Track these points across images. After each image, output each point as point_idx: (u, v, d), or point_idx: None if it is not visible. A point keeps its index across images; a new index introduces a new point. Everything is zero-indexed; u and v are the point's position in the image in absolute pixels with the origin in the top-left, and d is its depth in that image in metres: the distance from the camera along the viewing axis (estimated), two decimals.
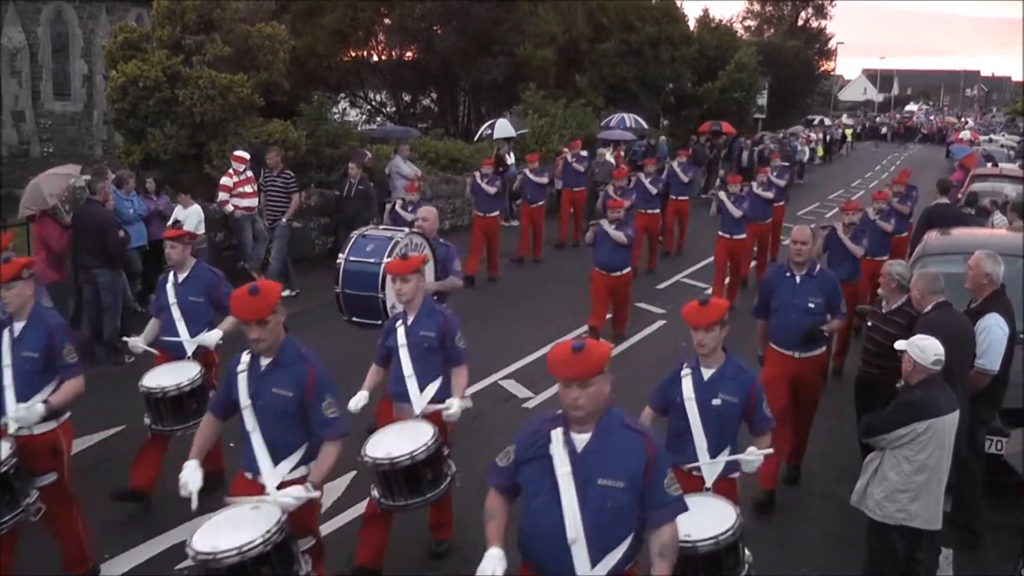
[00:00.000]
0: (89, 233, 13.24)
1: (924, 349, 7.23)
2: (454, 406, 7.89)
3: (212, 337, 9.33)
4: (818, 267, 9.99)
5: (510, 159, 25.49)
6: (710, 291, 18.42)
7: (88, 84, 33.77)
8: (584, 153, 25.69)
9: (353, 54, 37.94)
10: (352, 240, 11.59)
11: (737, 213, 17.95)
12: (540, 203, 22.01)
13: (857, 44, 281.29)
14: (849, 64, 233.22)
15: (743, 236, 18.37)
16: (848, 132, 65.73)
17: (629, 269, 15.19)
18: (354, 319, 11.32)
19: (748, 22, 79.74)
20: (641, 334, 16.30)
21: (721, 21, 43.78)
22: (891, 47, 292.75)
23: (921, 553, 7.49)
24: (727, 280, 18.50)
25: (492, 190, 19.67)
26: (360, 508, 9.30)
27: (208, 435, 6.76)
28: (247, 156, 18.09)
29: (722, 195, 18.32)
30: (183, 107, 20.59)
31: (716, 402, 6.80)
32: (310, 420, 6.37)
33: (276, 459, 6.41)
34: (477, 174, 20.29)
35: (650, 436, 5.18)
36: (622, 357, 14.49)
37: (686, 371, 6.95)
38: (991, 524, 9.25)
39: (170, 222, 15.54)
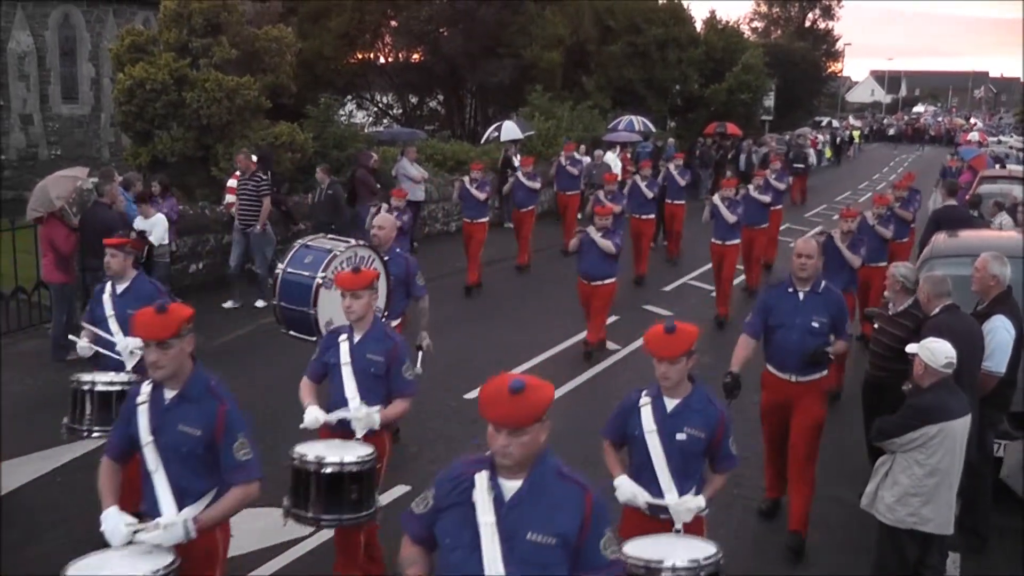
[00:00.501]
0: (96, 235, 13.21)
1: (935, 352, 7.20)
2: (362, 411, 7.20)
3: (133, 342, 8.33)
4: (823, 283, 8.88)
5: (517, 160, 25.41)
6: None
7: (96, 87, 33.80)
8: (579, 156, 25.74)
9: (360, 56, 37.98)
10: (294, 250, 10.53)
11: (731, 219, 17.30)
12: (530, 208, 21.52)
13: (865, 45, 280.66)
14: (857, 65, 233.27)
15: (736, 242, 17.71)
16: (856, 134, 65.63)
17: (613, 280, 14.59)
18: (291, 332, 10.45)
19: (755, 24, 79.60)
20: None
21: (728, 23, 43.83)
22: (899, 48, 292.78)
23: (931, 558, 7.47)
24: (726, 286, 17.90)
25: (482, 196, 19.09)
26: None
27: (112, 480, 5.80)
28: (253, 158, 18.14)
29: (716, 199, 17.65)
30: (190, 110, 20.61)
31: (681, 436, 6.07)
32: (220, 462, 5.65)
33: (181, 504, 5.60)
34: (466, 179, 19.74)
35: (589, 489, 4.46)
36: (625, 362, 14.57)
37: (645, 400, 6.21)
38: (996, 528, 9.20)
39: (133, 233, 15.43)
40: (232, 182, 18.12)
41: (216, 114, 20.61)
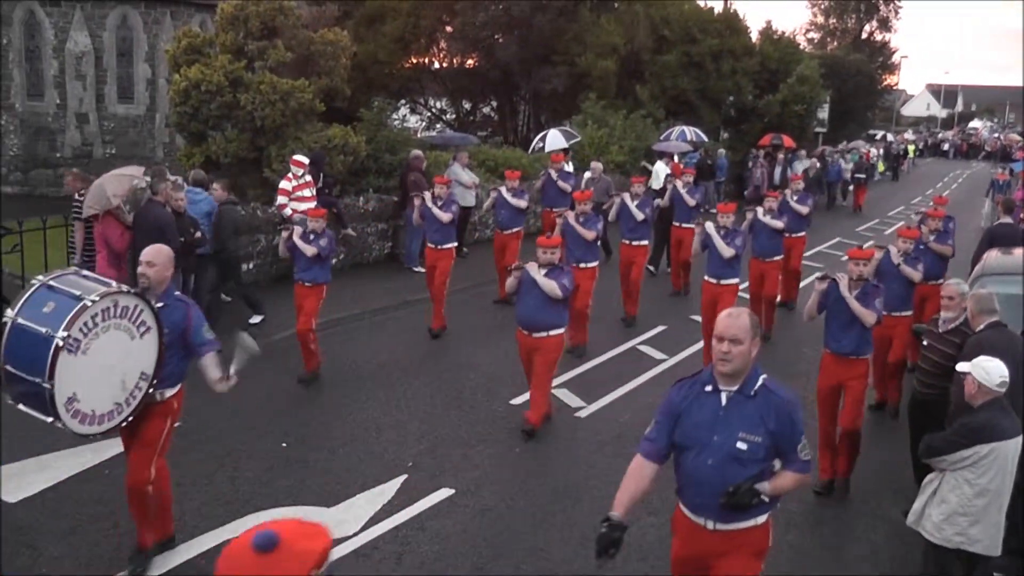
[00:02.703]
0: (149, 233, 13.37)
1: (989, 371, 7.12)
2: None
3: None
4: (761, 380, 5.79)
5: (569, 167, 25.18)
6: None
7: (151, 88, 34.09)
8: (570, 169, 22.96)
9: (414, 61, 38.08)
10: (32, 290, 7.35)
11: (727, 252, 14.32)
12: (515, 230, 18.14)
13: (921, 57, 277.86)
14: (913, 78, 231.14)
15: (733, 281, 14.59)
16: (910, 148, 65.07)
17: (560, 331, 11.70)
18: (21, 407, 7.37)
19: (811, 35, 79.19)
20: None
21: (784, 33, 43.43)
22: (956, 61, 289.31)
23: None
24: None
25: (446, 217, 16.04)
26: (410, 512, 9.35)
27: None
28: (306, 161, 18.28)
29: (710, 228, 14.61)
30: (244, 111, 20.72)
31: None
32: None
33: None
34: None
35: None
36: (673, 372, 14.39)
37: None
38: None
39: (198, 232, 15.42)
40: (284, 183, 18.23)
41: (270, 116, 20.71)
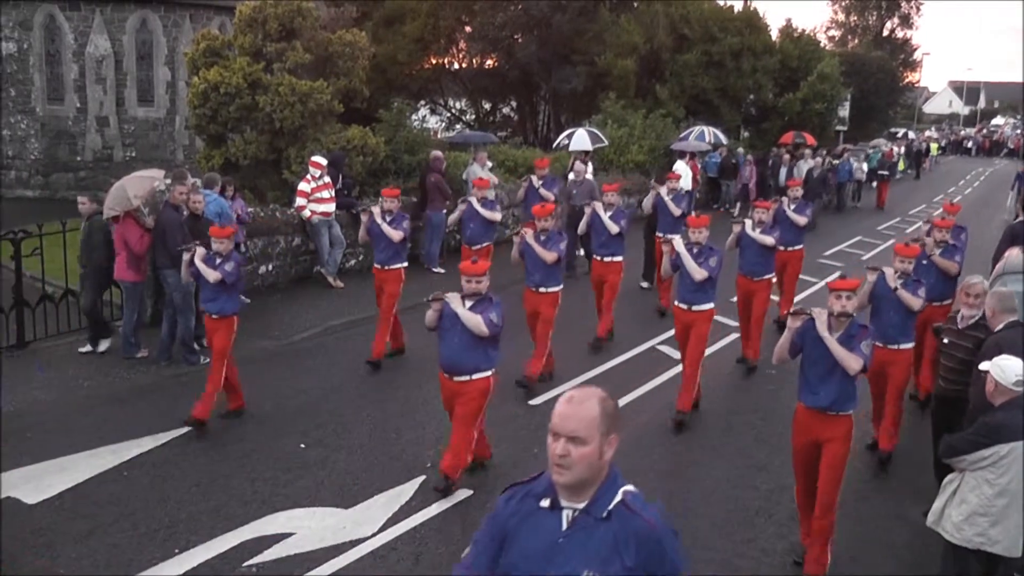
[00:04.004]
0: (164, 236, 13.42)
1: (1006, 370, 7.06)
2: None
3: None
4: (619, 495, 4.03)
5: (588, 169, 25.07)
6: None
7: (171, 91, 34.22)
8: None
9: (434, 61, 38.20)
10: None
11: (699, 274, 11.95)
12: (485, 244, 16.22)
13: (943, 54, 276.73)
14: (935, 75, 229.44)
15: (706, 308, 12.21)
16: (933, 146, 64.77)
17: (487, 374, 9.83)
18: None
19: (832, 32, 79.12)
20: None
21: (804, 31, 43.30)
22: (978, 58, 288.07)
23: None
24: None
25: (397, 235, 13.79)
26: (427, 513, 9.33)
27: None
28: (324, 162, 18.30)
29: (678, 243, 12.39)
30: (263, 113, 20.77)
31: None
32: None
33: None
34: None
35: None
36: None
37: None
38: None
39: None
40: (303, 185, 18.26)
41: (288, 118, 20.75)
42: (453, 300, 9.49)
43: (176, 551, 8.44)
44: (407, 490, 9.81)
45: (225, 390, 11.68)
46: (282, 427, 11.51)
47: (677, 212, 17.13)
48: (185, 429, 11.12)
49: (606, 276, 15.13)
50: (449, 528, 9.11)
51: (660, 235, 17.14)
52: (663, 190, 17.59)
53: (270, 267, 18.53)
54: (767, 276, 14.64)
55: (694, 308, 12.10)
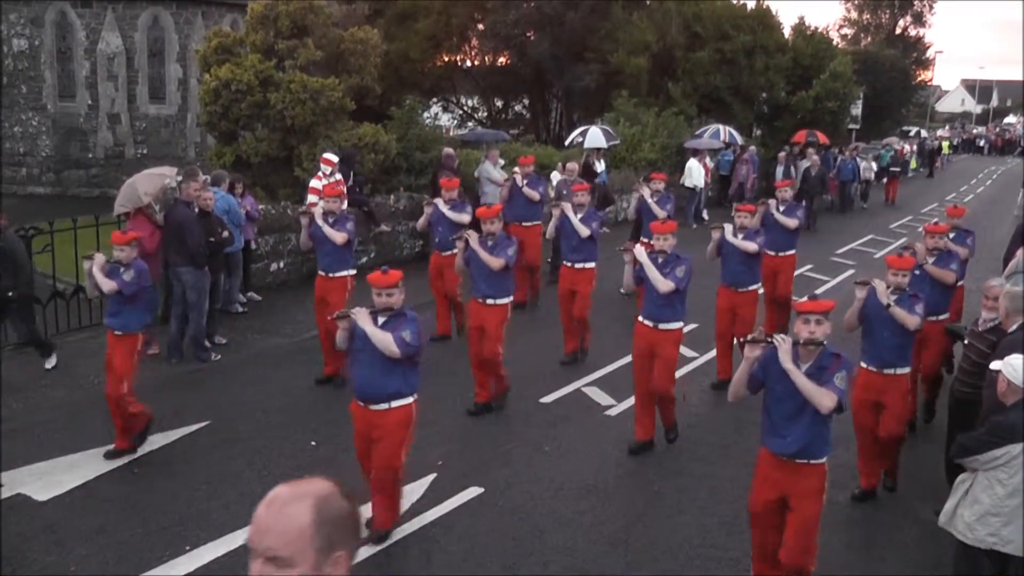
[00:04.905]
0: (173, 233, 13.41)
1: (1017, 368, 7.01)
2: None
3: None
4: None
5: (600, 166, 25.02)
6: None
7: (183, 88, 34.31)
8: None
9: (446, 59, 38.28)
10: None
11: (664, 286, 10.57)
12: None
13: (956, 53, 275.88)
14: (947, 74, 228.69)
15: (674, 326, 10.86)
16: (944, 144, 64.56)
17: (407, 401, 8.50)
18: None
19: (844, 30, 78.81)
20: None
21: (817, 29, 43.14)
22: (991, 56, 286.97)
23: None
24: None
25: (340, 237, 12.50)
26: (438, 511, 9.31)
27: None
28: (335, 159, 18.26)
29: (640, 252, 11.00)
30: (274, 110, 20.77)
31: None
32: None
33: None
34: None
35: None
36: (704, 371, 14.27)
37: None
38: None
39: (226, 232, 15.26)
40: (315, 182, 18.24)
41: (300, 115, 20.74)
42: (360, 317, 8.28)
43: (187, 548, 8.43)
44: (418, 488, 9.77)
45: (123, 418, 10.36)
46: (292, 425, 11.49)
47: (662, 215, 15.76)
48: (197, 427, 11.12)
49: (577, 284, 13.90)
50: (460, 525, 9.09)
51: (644, 240, 15.02)
52: (646, 192, 16.74)
53: (281, 264, 18.54)
54: (752, 287, 13.21)
55: (660, 326, 10.71)
